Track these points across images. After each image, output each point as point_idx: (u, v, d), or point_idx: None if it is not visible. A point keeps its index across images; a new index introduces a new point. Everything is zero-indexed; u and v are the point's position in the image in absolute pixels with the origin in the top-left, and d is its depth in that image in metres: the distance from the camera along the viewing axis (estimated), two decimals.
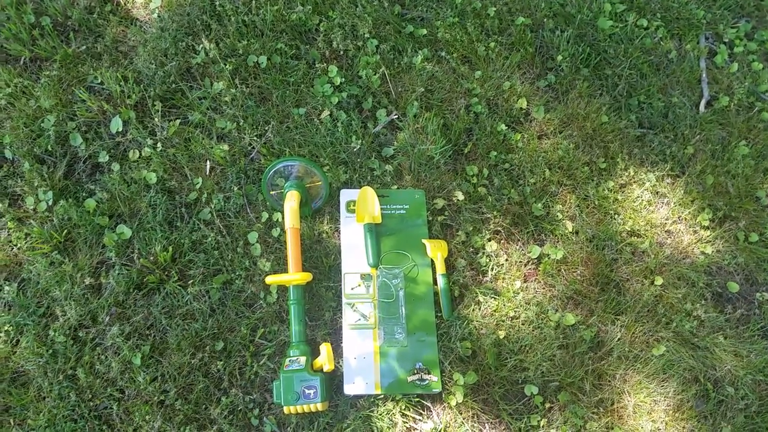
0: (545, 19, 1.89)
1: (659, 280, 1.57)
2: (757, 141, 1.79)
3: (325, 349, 1.35)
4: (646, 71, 1.85)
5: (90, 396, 1.36)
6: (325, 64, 1.74)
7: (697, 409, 1.45)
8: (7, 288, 1.44)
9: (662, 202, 1.68)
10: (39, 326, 1.41)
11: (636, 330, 1.51)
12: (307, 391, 1.32)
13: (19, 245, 1.49)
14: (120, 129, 1.63)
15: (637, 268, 1.58)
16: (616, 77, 1.83)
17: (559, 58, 1.82)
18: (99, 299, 1.44)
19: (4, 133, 1.60)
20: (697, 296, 1.58)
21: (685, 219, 1.67)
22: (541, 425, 1.40)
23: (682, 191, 1.69)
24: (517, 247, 1.59)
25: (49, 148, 1.59)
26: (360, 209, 1.55)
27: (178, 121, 1.65)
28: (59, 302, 1.43)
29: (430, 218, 1.59)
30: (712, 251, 1.64)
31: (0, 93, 1.62)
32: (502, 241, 1.59)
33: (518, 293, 1.53)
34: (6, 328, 1.40)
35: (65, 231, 1.50)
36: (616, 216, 1.64)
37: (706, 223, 1.66)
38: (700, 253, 1.63)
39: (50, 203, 1.53)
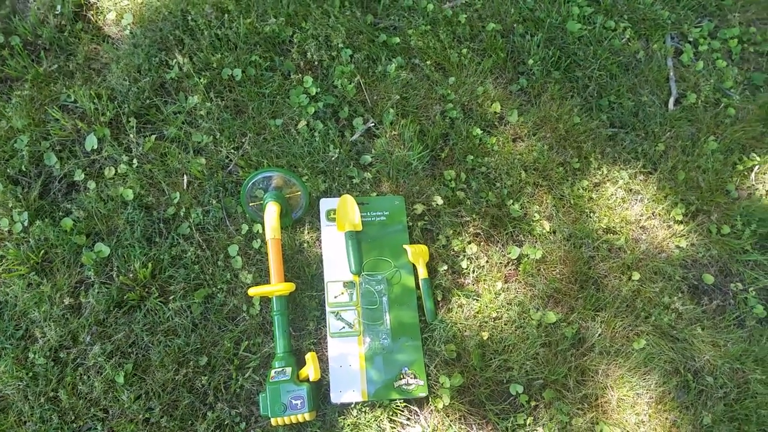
0: (515, 25, 1.92)
1: (636, 276, 1.59)
2: (725, 136, 1.84)
3: (311, 358, 1.35)
4: (616, 72, 1.89)
5: (73, 417, 1.34)
6: (300, 75, 1.75)
7: (679, 400, 1.48)
8: None
9: (636, 199, 1.72)
10: (18, 349, 1.39)
11: (616, 325, 1.53)
12: (294, 402, 1.31)
13: None
14: (95, 147, 1.62)
15: (615, 265, 1.61)
16: (586, 79, 1.87)
17: (530, 62, 1.85)
18: (79, 319, 1.43)
19: None
20: (673, 289, 1.61)
21: (659, 214, 1.70)
22: (528, 423, 1.42)
23: (655, 187, 1.73)
24: (497, 249, 1.61)
25: (23, 168, 1.57)
26: (340, 217, 1.56)
27: (153, 136, 1.64)
28: (38, 324, 1.41)
29: (411, 224, 1.60)
30: (687, 245, 1.67)
31: None
32: (482, 243, 1.61)
33: (500, 294, 1.54)
34: None
35: (42, 251, 1.48)
36: (591, 214, 1.67)
37: (680, 218, 1.69)
38: (675, 247, 1.67)
39: (26, 224, 1.51)
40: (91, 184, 1.57)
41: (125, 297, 1.45)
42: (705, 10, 2.10)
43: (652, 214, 1.70)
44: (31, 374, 1.37)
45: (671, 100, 1.89)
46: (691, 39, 2.03)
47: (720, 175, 1.76)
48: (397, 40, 1.84)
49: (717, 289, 1.66)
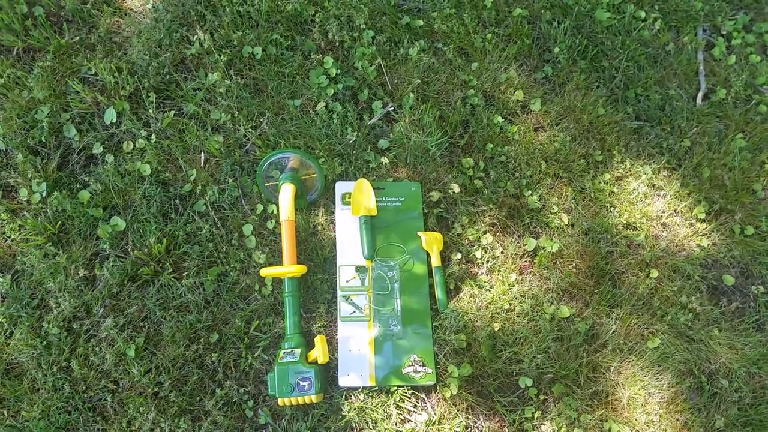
0: (543, 11, 1.88)
1: (654, 273, 1.56)
2: (754, 134, 1.79)
3: (319, 341, 1.35)
4: (644, 63, 1.84)
5: (84, 388, 1.36)
6: (320, 56, 1.73)
7: (691, 402, 1.46)
8: (0, 280, 1.43)
9: (658, 195, 1.68)
10: (33, 318, 1.41)
11: (631, 322, 1.51)
12: (301, 383, 1.32)
13: (12, 237, 1.49)
14: (114, 120, 1.62)
15: (633, 261, 1.58)
16: (613, 69, 1.82)
17: (556, 50, 1.81)
18: (93, 291, 1.44)
19: None
20: (692, 289, 1.58)
21: (681, 212, 1.66)
22: (535, 417, 1.40)
23: (679, 184, 1.69)
24: (513, 240, 1.59)
25: (43, 139, 1.58)
26: (355, 201, 1.55)
27: (172, 112, 1.64)
28: (53, 294, 1.43)
29: (426, 211, 1.58)
30: (708, 244, 1.64)
31: None
32: (498, 234, 1.59)
33: (513, 286, 1.53)
34: (0, 319, 1.40)
35: (59, 222, 1.50)
36: (612, 209, 1.64)
37: (702, 216, 1.65)
38: (695, 245, 1.63)
39: (44, 195, 1.52)
40: (109, 158, 1.58)
41: (139, 271, 1.46)
42: (741, 2, 2.04)
43: (674, 211, 1.67)
44: (45, 343, 1.38)
45: (700, 95, 1.84)
46: (724, 32, 1.97)
47: (746, 174, 1.72)
48: (421, 22, 1.81)
49: (737, 290, 1.62)
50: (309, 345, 1.39)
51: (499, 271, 1.54)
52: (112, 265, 1.45)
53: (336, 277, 1.50)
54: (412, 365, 1.41)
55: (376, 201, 1.56)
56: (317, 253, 1.52)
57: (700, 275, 1.60)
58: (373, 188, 1.56)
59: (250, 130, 1.63)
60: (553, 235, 1.60)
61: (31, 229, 1.48)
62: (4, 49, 1.71)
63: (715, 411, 1.45)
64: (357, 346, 1.43)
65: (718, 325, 1.54)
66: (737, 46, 1.94)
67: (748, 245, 1.65)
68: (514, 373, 1.45)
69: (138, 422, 1.33)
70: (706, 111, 1.80)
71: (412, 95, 1.69)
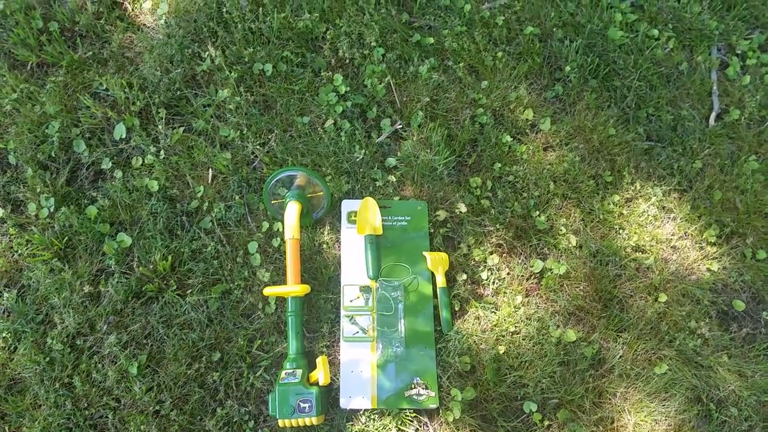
0: (554, 29, 1.87)
1: (663, 297, 1.54)
2: None
3: (321, 362, 1.35)
4: (656, 83, 1.82)
5: (86, 405, 1.36)
6: (330, 73, 1.73)
7: (699, 430, 1.43)
8: (6, 294, 1.45)
9: (668, 218, 1.66)
10: (37, 333, 1.42)
11: (638, 347, 1.49)
12: (302, 405, 1.31)
13: (19, 251, 1.50)
14: (123, 136, 1.63)
15: (641, 285, 1.56)
16: (624, 89, 1.80)
17: (568, 68, 1.80)
18: (97, 307, 1.45)
19: (8, 138, 1.61)
20: (701, 314, 1.55)
21: (692, 235, 1.64)
22: None
23: (689, 206, 1.66)
24: (519, 261, 1.57)
25: (53, 154, 1.60)
26: (361, 220, 1.54)
27: (181, 128, 1.65)
28: (58, 310, 1.44)
29: (432, 230, 1.57)
30: (719, 268, 1.61)
31: (6, 98, 1.63)
32: (504, 255, 1.57)
33: (519, 308, 1.51)
34: (4, 334, 1.41)
35: (66, 238, 1.51)
36: (621, 231, 1.62)
37: (713, 240, 1.63)
38: (705, 269, 1.61)
39: (52, 210, 1.53)
40: (118, 173, 1.59)
41: (144, 288, 1.46)
42: (757, 21, 2.01)
43: (684, 234, 1.64)
44: (48, 359, 1.39)
45: (713, 116, 1.81)
46: (739, 51, 1.94)
47: (759, 197, 1.69)
48: (431, 40, 1.81)
49: (748, 316, 1.59)
50: (311, 365, 1.39)
51: (505, 292, 1.53)
52: (117, 282, 1.46)
53: (340, 297, 1.49)
54: (415, 388, 1.40)
55: (382, 220, 1.55)
56: (321, 271, 1.52)
57: (710, 300, 1.57)
58: (380, 207, 1.55)
59: (258, 147, 1.63)
60: (561, 257, 1.58)
61: (38, 244, 1.50)
62: (19, 63, 1.74)
63: None
64: (359, 368, 1.42)
65: (728, 352, 1.51)
66: (752, 66, 1.91)
67: (759, 270, 1.62)
68: (519, 398, 1.43)
69: None
70: (719, 132, 1.78)
71: (420, 113, 1.69)
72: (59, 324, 1.42)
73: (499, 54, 1.80)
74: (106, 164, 1.60)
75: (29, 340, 1.40)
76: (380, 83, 1.72)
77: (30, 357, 1.39)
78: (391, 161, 1.65)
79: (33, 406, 1.37)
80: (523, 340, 1.48)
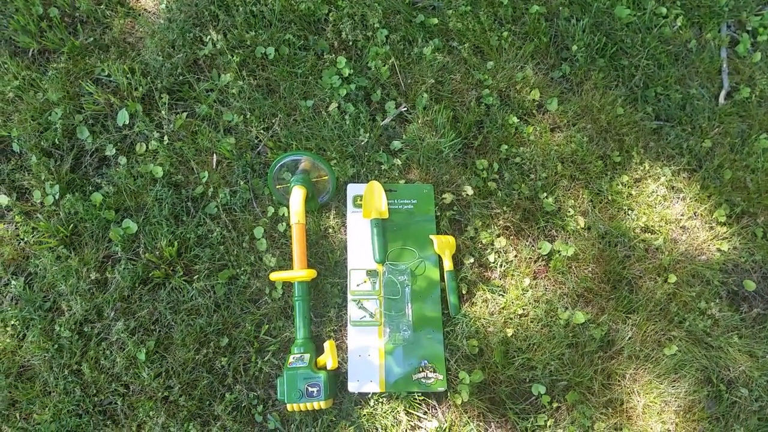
0: (561, 8, 1.83)
1: (673, 278, 1.53)
2: None
3: (329, 346, 1.35)
4: (664, 61, 1.79)
5: (95, 391, 1.37)
6: (333, 55, 1.71)
7: (709, 411, 1.42)
8: (14, 282, 1.44)
9: (678, 198, 1.64)
10: (45, 321, 1.42)
11: (647, 329, 1.48)
12: (310, 389, 1.31)
13: (26, 239, 1.50)
14: (127, 122, 1.62)
15: (650, 266, 1.54)
16: (632, 68, 1.78)
17: (574, 48, 1.77)
18: (104, 294, 1.45)
19: (11, 126, 1.60)
20: (711, 294, 1.54)
21: (701, 215, 1.62)
22: (548, 425, 1.38)
23: (699, 186, 1.64)
24: (527, 243, 1.56)
25: (57, 141, 1.59)
26: (367, 204, 1.53)
27: (185, 113, 1.63)
28: (65, 297, 1.44)
29: (438, 213, 1.56)
30: (729, 248, 1.59)
31: (8, 86, 1.62)
32: (512, 237, 1.56)
33: (527, 290, 1.50)
34: (13, 322, 1.42)
35: (71, 225, 1.50)
36: (629, 212, 1.60)
37: (723, 219, 1.61)
38: (716, 249, 1.59)
39: (57, 197, 1.53)
40: (122, 160, 1.58)
41: (150, 274, 1.46)
42: None
43: (694, 214, 1.62)
44: (56, 346, 1.40)
45: (722, 94, 1.78)
46: (749, 28, 1.90)
47: None
48: (435, 21, 1.78)
49: (758, 296, 1.58)
50: (319, 350, 1.39)
51: (512, 275, 1.52)
52: (124, 268, 1.46)
53: (347, 281, 1.48)
54: (422, 371, 1.40)
55: (388, 203, 1.54)
56: (328, 256, 1.51)
57: (720, 280, 1.56)
58: (385, 190, 1.54)
59: (262, 131, 1.62)
60: (569, 238, 1.57)
61: (44, 232, 1.49)
62: (20, 50, 1.72)
63: (734, 421, 1.42)
64: (367, 352, 1.41)
65: (738, 332, 1.50)
66: (763, 42, 1.88)
67: None
68: (527, 380, 1.43)
69: (148, 426, 1.34)
70: (729, 110, 1.75)
71: (425, 95, 1.67)
72: (67, 311, 1.42)
73: (505, 34, 1.77)
74: (110, 151, 1.59)
75: (37, 327, 1.41)
76: (384, 65, 1.70)
77: (39, 344, 1.39)
78: (397, 144, 1.64)
79: (43, 392, 1.38)
80: (531, 322, 1.47)
